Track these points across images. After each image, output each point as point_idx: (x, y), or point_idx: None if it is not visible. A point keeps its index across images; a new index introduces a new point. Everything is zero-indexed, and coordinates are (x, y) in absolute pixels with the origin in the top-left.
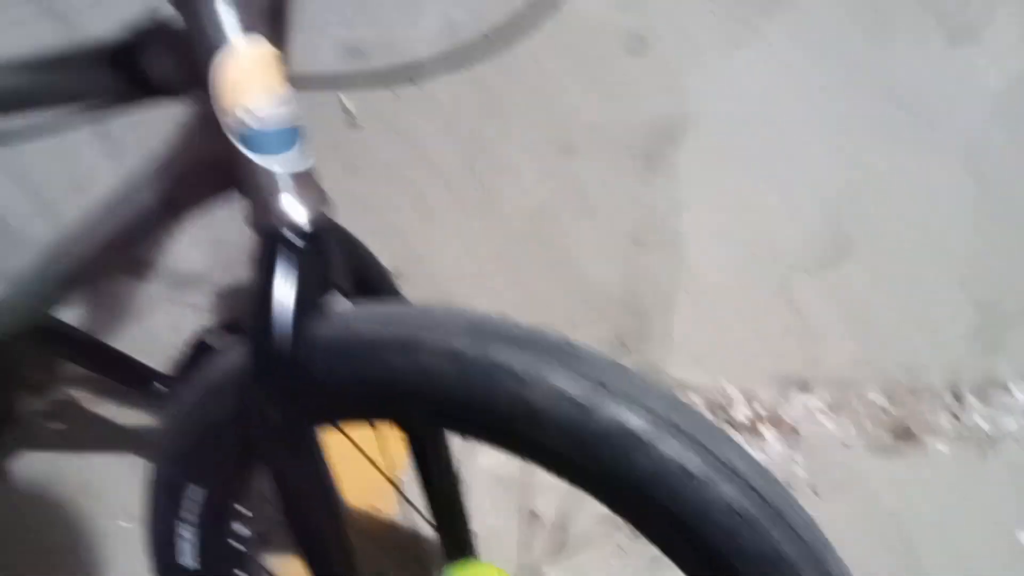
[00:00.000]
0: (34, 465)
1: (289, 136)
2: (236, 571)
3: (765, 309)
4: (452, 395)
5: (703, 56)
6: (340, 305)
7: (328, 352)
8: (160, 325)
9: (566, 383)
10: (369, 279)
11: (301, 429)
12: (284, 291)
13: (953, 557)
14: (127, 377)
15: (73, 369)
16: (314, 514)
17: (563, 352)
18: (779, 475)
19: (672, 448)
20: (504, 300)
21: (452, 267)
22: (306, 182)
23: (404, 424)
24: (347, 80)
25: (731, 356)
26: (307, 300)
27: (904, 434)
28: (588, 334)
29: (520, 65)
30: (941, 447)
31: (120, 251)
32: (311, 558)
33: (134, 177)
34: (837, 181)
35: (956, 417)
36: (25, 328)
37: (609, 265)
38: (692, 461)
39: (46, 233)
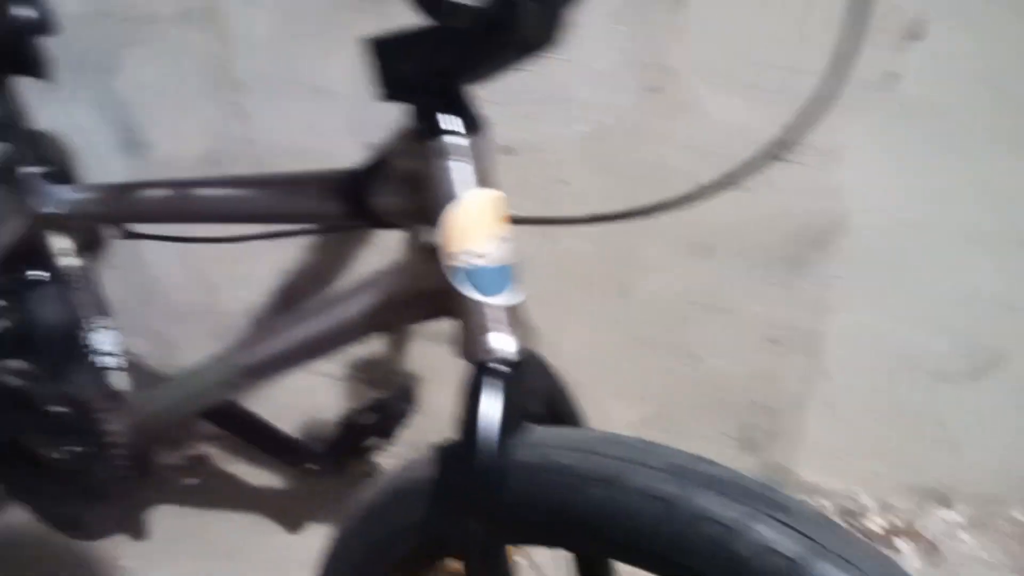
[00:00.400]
0: (166, 519)
1: (505, 274)
2: None
3: (904, 417)
4: (651, 536)
5: (856, 162)
6: (536, 431)
7: (527, 477)
8: (295, 390)
9: (778, 538)
10: (558, 404)
11: (491, 546)
12: (490, 416)
13: None
14: (282, 451)
15: (208, 427)
16: None
17: (772, 503)
18: None
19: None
20: (627, 386)
21: (577, 349)
22: (515, 315)
23: (586, 551)
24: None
25: (865, 463)
26: (509, 426)
27: None
28: (712, 427)
29: None
30: None
31: (313, 354)
32: None
33: (340, 290)
34: (988, 292)
35: None
36: (203, 409)
37: (740, 361)
38: None
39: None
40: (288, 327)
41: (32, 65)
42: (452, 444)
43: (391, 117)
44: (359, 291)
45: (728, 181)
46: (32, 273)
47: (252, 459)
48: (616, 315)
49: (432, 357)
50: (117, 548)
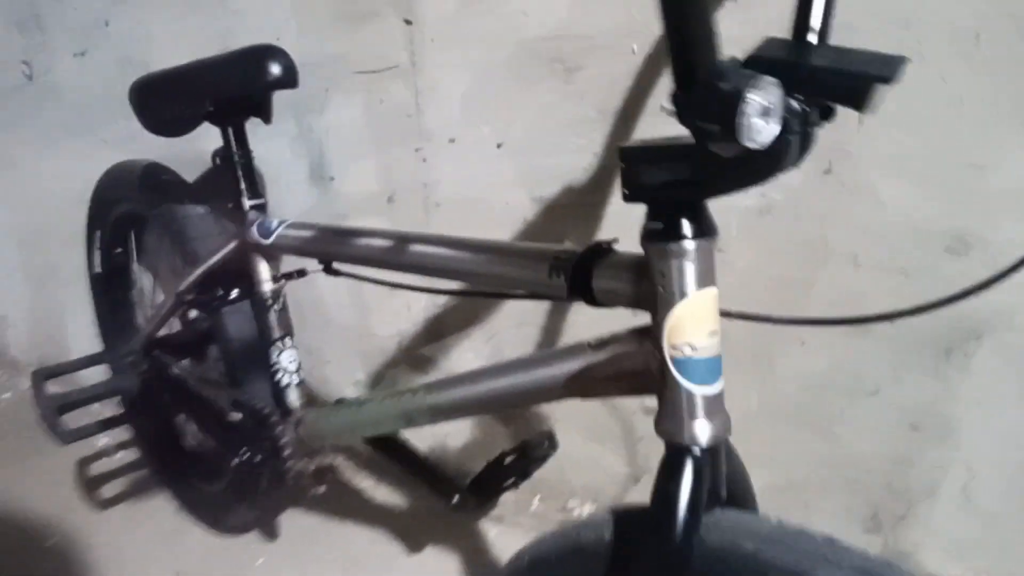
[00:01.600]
0: (294, 524)
1: (714, 366)
2: None
3: None
4: None
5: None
6: (724, 515)
7: (713, 559)
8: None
9: None
10: (739, 488)
11: None
12: (685, 496)
13: None
14: (432, 483)
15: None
16: None
17: None
18: None
19: None
20: (757, 453)
21: None
22: (716, 404)
23: None
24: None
25: (997, 557)
26: (700, 507)
27: None
28: (839, 504)
29: None
30: None
31: (504, 406)
32: None
33: (541, 352)
34: None
35: None
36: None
37: (878, 443)
38: None
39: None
40: (487, 378)
41: (265, 111)
42: (640, 514)
43: (561, 175)
44: (562, 358)
45: (987, 284)
46: (234, 291)
47: (377, 475)
48: (759, 383)
49: (566, 406)
50: (250, 546)
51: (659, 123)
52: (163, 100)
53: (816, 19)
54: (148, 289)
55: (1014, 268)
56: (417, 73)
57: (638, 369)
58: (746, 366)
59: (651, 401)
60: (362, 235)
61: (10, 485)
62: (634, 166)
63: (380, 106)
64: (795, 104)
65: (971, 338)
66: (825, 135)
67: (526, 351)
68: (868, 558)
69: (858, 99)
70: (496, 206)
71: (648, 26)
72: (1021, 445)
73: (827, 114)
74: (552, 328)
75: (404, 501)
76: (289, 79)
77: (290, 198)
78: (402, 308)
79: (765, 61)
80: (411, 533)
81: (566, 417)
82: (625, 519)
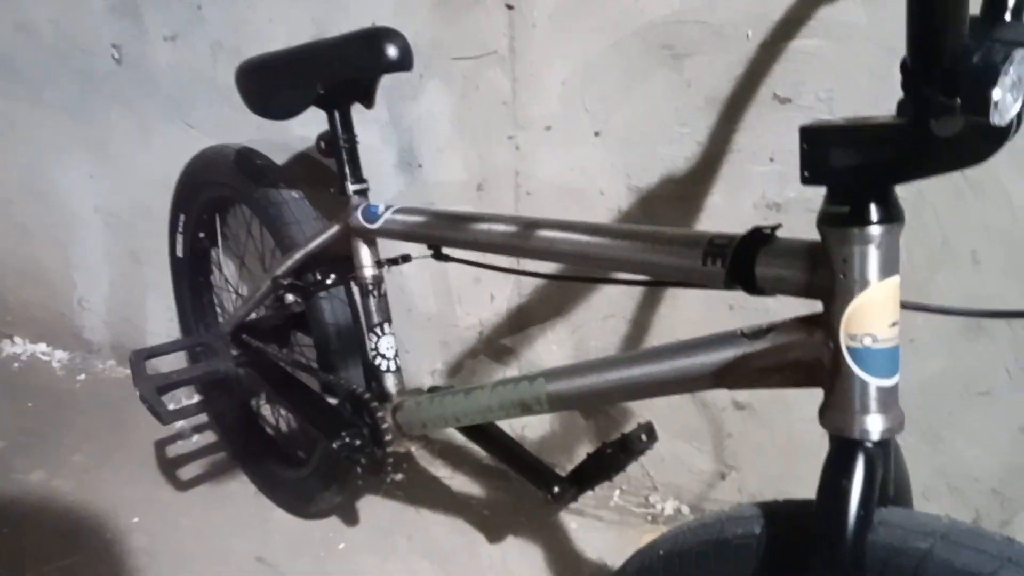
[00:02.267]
0: (373, 510)
1: (894, 357)
2: None
3: None
4: None
5: None
6: (891, 512)
7: (887, 556)
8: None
9: None
10: (900, 486)
11: None
12: (856, 493)
13: None
14: (530, 474)
15: None
16: None
17: None
18: None
19: None
20: None
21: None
22: (891, 397)
23: None
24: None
25: None
26: (872, 503)
27: None
28: (940, 507)
29: None
30: None
31: (634, 397)
32: None
33: (685, 341)
34: None
35: None
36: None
37: (987, 448)
38: None
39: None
40: (621, 366)
41: (370, 96)
42: (803, 508)
43: (662, 165)
44: (713, 346)
45: None
46: (331, 276)
47: (452, 464)
48: None
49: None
50: (331, 531)
51: (769, 112)
52: (272, 82)
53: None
54: (231, 275)
55: None
56: (516, 60)
57: (805, 359)
58: None
59: (743, 396)
60: (483, 220)
61: (92, 463)
62: (821, 147)
63: (475, 93)
64: None
65: None
66: None
67: (611, 343)
68: None
69: None
70: (590, 194)
71: (766, 10)
72: None
73: None
74: (641, 321)
75: (481, 491)
76: (405, 62)
77: (376, 185)
78: (485, 298)
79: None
80: (491, 524)
81: (651, 413)
82: (783, 514)
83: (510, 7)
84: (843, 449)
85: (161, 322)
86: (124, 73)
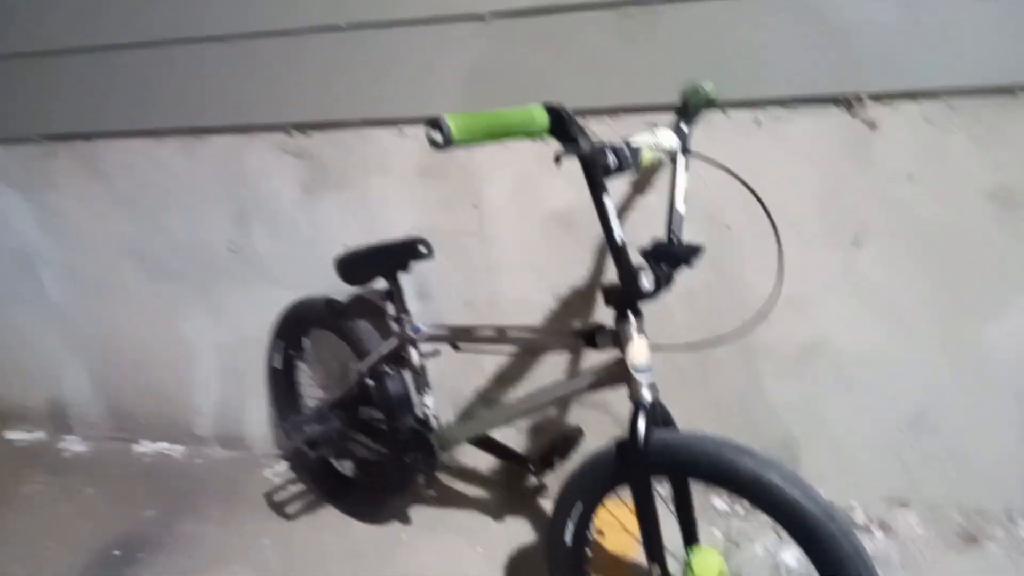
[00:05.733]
0: (416, 510)
1: (647, 370)
2: (587, 549)
3: (879, 457)
4: (721, 473)
5: None
6: (661, 430)
7: (659, 448)
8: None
9: (774, 477)
10: (667, 420)
11: (644, 478)
12: (645, 425)
13: None
14: (516, 461)
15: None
16: (650, 515)
17: (774, 463)
18: (880, 560)
19: (811, 504)
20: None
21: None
22: (653, 385)
23: (681, 477)
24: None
25: (857, 481)
26: (651, 429)
27: (971, 539)
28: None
29: None
30: (995, 549)
31: (550, 404)
32: (649, 543)
33: (568, 377)
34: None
35: (1007, 530)
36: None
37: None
38: (809, 497)
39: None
40: (545, 392)
41: (408, 267)
42: (626, 439)
43: (569, 283)
44: (586, 375)
45: None
46: (392, 367)
47: (462, 478)
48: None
49: (588, 415)
50: (392, 530)
51: None
52: (358, 265)
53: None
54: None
55: None
56: (482, 233)
57: (619, 373)
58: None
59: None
60: (476, 328)
61: (225, 511)
62: (608, 293)
63: (457, 253)
64: (664, 270)
65: None
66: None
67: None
68: (734, 440)
69: (686, 265)
70: (535, 302)
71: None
72: (853, 406)
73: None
74: (566, 369)
75: (479, 492)
76: (431, 255)
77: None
78: (479, 371)
79: (655, 250)
80: (493, 508)
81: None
82: (621, 442)
83: (475, 207)
84: (637, 408)
85: (255, 417)
86: (238, 259)
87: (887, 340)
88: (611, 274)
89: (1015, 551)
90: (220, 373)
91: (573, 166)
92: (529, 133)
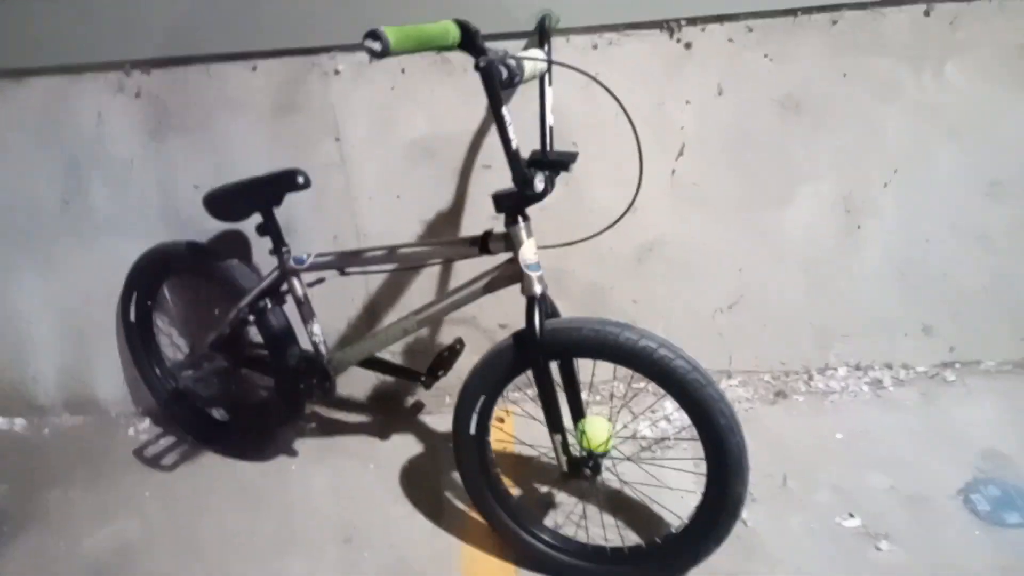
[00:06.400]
0: (303, 442)
1: (537, 267)
2: (488, 438)
3: (704, 339)
4: (606, 348)
5: None
6: (552, 320)
7: (552, 336)
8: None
9: (648, 342)
10: (553, 312)
11: (543, 361)
12: (538, 316)
13: (799, 449)
14: (407, 375)
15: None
16: (549, 394)
17: (647, 334)
18: None
19: (678, 360)
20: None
21: None
22: (542, 279)
23: (567, 357)
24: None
25: None
26: (544, 318)
27: (780, 395)
28: None
29: None
30: (800, 399)
31: (451, 312)
32: (551, 417)
33: (467, 280)
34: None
35: (807, 385)
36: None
37: None
38: (680, 360)
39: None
40: (442, 300)
41: (281, 202)
42: (524, 330)
43: (434, 208)
44: (479, 279)
45: None
46: (270, 300)
47: (344, 409)
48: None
49: (459, 332)
50: (282, 463)
51: (483, 176)
52: (228, 202)
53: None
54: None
55: None
56: (345, 165)
57: (512, 273)
58: None
59: (505, 320)
60: (362, 251)
61: (95, 473)
62: (500, 199)
63: (327, 186)
64: (546, 173)
65: None
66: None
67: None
68: (611, 321)
69: (565, 170)
70: (400, 230)
71: (468, 128)
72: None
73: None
74: (444, 283)
75: (361, 418)
76: (307, 184)
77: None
78: (362, 295)
79: (534, 159)
80: (378, 430)
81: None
82: (519, 334)
83: (338, 140)
84: (530, 302)
85: (107, 376)
86: (70, 214)
87: (707, 234)
88: (475, 196)
89: (815, 399)
90: (59, 336)
91: (429, 94)
92: (443, 46)
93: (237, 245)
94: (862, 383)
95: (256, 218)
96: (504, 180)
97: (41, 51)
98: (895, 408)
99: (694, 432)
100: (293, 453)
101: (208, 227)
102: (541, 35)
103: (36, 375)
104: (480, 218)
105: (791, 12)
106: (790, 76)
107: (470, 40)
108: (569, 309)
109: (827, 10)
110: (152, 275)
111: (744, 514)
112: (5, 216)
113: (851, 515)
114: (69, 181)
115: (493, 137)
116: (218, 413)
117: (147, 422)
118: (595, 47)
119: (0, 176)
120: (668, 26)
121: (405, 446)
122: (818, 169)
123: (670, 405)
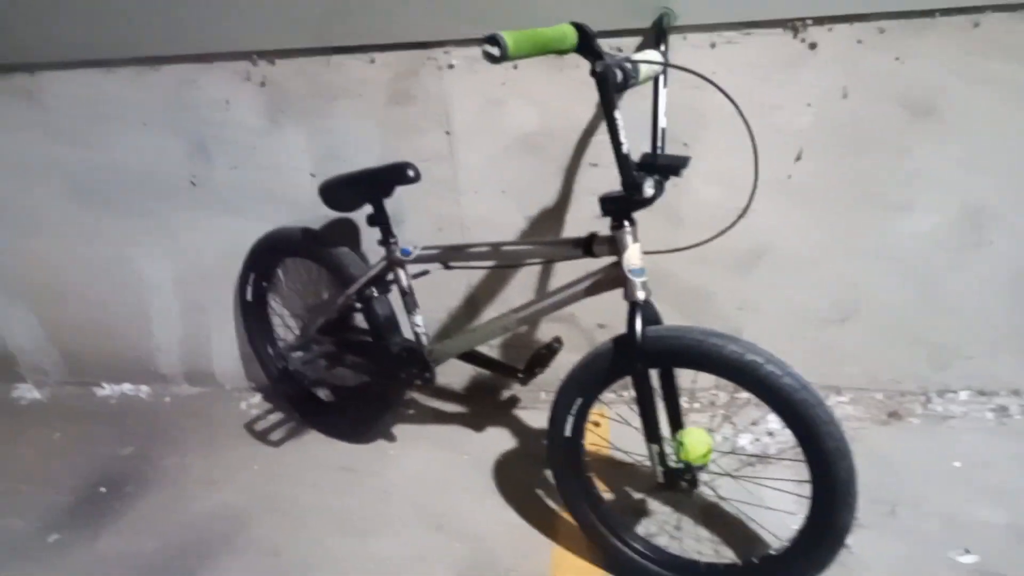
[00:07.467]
0: (401, 428)
1: (642, 272)
2: (583, 441)
3: (812, 351)
4: (709, 359)
5: None
6: (654, 327)
7: (654, 342)
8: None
9: (755, 357)
10: (658, 319)
11: (643, 369)
12: (639, 323)
13: (911, 475)
14: (504, 370)
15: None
16: (648, 402)
17: (753, 347)
18: None
19: (786, 378)
20: None
21: None
22: (646, 285)
23: (668, 366)
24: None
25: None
26: (647, 325)
27: (894, 415)
28: None
29: None
30: (915, 421)
31: (554, 311)
32: (648, 425)
33: (568, 282)
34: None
35: (924, 407)
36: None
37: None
38: (788, 378)
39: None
40: (543, 299)
41: (391, 194)
42: (624, 336)
43: (538, 204)
44: (581, 281)
45: None
46: (377, 289)
47: (440, 398)
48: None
49: (558, 329)
50: (380, 447)
51: (589, 173)
52: (342, 192)
53: (658, 143)
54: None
55: None
56: (453, 158)
57: (615, 277)
58: None
59: (603, 320)
60: (467, 246)
61: (208, 445)
62: (607, 203)
63: (430, 178)
64: (656, 177)
65: None
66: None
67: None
68: (721, 333)
69: (675, 175)
70: (503, 224)
71: (577, 126)
72: (781, 310)
73: (665, 180)
74: (544, 283)
75: (459, 408)
76: (418, 179)
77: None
78: (449, 294)
79: (644, 163)
80: (473, 422)
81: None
82: (619, 337)
83: (448, 133)
84: (633, 307)
85: (224, 351)
86: (198, 191)
87: (820, 242)
88: (580, 194)
89: (931, 422)
90: (182, 309)
91: (540, 89)
92: (560, 50)
93: (347, 233)
94: (985, 409)
95: (367, 208)
96: (610, 178)
97: (176, 40)
98: (1021, 438)
99: (798, 452)
100: (391, 438)
101: (321, 213)
102: (658, 33)
103: (160, 345)
104: (584, 216)
105: (928, 13)
106: (922, 80)
107: (587, 43)
108: (670, 312)
109: (969, 12)
110: (269, 258)
111: (849, 540)
112: (137, 193)
113: (967, 551)
114: (196, 162)
115: (601, 135)
116: (323, 394)
117: (258, 397)
118: (713, 46)
119: (134, 155)
120: (792, 25)
121: (499, 439)
122: (945, 178)
123: (773, 419)
